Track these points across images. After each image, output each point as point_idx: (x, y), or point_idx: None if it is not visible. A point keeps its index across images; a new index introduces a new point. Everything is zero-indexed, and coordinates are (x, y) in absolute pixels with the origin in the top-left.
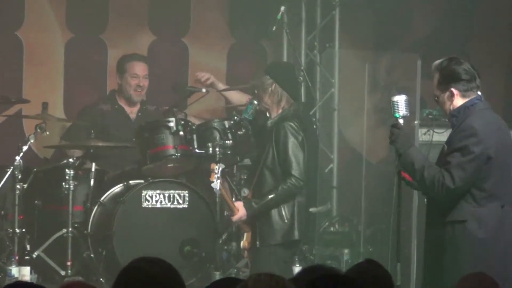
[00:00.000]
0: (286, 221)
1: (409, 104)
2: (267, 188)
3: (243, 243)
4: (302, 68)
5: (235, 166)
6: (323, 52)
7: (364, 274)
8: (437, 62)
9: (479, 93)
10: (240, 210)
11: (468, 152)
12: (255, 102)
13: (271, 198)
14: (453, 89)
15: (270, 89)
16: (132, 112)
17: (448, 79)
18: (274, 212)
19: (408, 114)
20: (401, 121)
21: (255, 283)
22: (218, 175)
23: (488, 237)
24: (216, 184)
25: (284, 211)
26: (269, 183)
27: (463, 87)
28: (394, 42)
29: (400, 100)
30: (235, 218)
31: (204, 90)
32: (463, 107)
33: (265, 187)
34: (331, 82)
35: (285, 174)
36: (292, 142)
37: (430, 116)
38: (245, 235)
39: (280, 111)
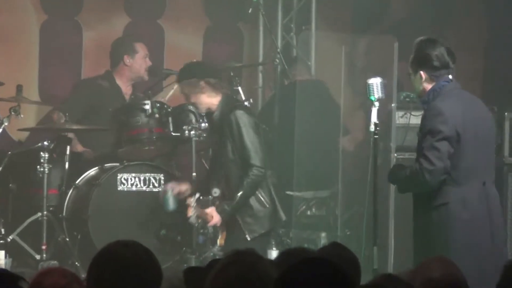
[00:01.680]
0: (267, 206)
1: (385, 87)
2: (235, 181)
3: (220, 241)
4: (278, 50)
5: (210, 149)
6: (299, 35)
7: (329, 257)
8: (417, 39)
9: (450, 76)
10: (214, 217)
11: (436, 132)
12: (170, 191)
13: (240, 195)
14: (421, 72)
15: (200, 88)
16: (127, 93)
17: (419, 62)
18: (253, 201)
19: (384, 97)
20: (376, 103)
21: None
22: (194, 205)
23: (473, 217)
24: (194, 218)
25: (262, 197)
26: (236, 175)
27: (431, 72)
28: (372, 25)
29: (375, 82)
30: (210, 224)
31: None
32: (432, 90)
33: (232, 180)
34: (308, 65)
35: (246, 165)
36: (245, 130)
37: (407, 99)
38: (219, 233)
39: (219, 98)
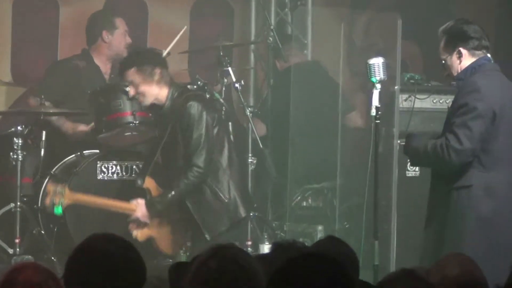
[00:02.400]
0: (226, 200)
1: (388, 68)
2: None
3: (137, 234)
4: (272, 27)
5: None
6: (294, 11)
7: (325, 252)
8: (443, 26)
9: (488, 55)
10: (139, 209)
11: (471, 109)
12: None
13: (173, 195)
14: (461, 48)
15: (154, 76)
16: (106, 73)
17: (456, 38)
18: (210, 198)
19: (386, 78)
20: (378, 85)
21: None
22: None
23: (496, 207)
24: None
25: (221, 192)
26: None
27: (472, 45)
28: (372, 0)
29: (377, 63)
30: (133, 217)
31: (165, 52)
32: (470, 68)
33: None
34: (304, 44)
35: (187, 163)
36: (196, 125)
37: (412, 81)
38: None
39: (167, 89)
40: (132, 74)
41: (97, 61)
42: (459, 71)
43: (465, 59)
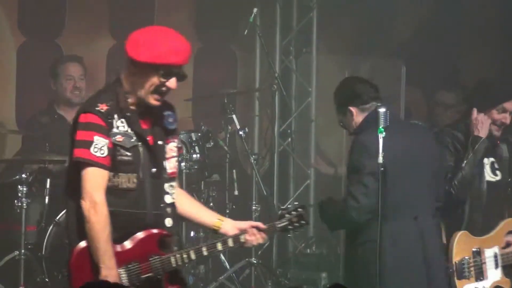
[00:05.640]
0: None
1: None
2: None
3: None
4: (276, 75)
5: (202, 182)
6: (299, 58)
7: None
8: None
9: (378, 104)
10: None
11: (363, 167)
12: None
13: None
14: (350, 108)
15: None
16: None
17: (343, 100)
18: None
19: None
20: (385, 133)
21: None
22: None
23: (403, 255)
24: None
25: None
26: None
27: (359, 102)
28: (376, 47)
29: (384, 111)
30: None
31: None
32: (364, 122)
33: None
34: (308, 91)
35: None
36: None
37: None
38: None
39: None
40: None
41: (60, 111)
42: (355, 127)
43: (357, 116)
